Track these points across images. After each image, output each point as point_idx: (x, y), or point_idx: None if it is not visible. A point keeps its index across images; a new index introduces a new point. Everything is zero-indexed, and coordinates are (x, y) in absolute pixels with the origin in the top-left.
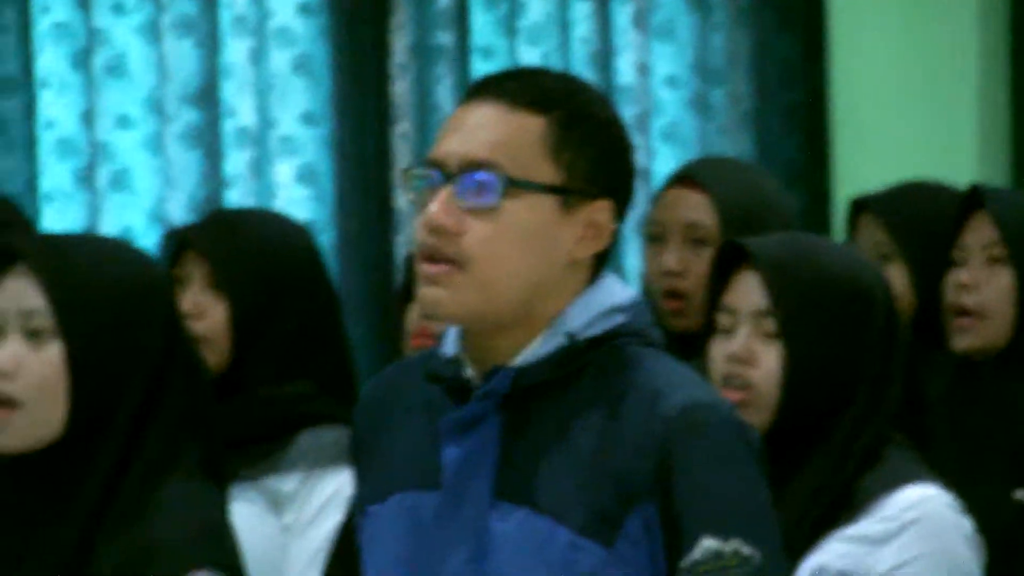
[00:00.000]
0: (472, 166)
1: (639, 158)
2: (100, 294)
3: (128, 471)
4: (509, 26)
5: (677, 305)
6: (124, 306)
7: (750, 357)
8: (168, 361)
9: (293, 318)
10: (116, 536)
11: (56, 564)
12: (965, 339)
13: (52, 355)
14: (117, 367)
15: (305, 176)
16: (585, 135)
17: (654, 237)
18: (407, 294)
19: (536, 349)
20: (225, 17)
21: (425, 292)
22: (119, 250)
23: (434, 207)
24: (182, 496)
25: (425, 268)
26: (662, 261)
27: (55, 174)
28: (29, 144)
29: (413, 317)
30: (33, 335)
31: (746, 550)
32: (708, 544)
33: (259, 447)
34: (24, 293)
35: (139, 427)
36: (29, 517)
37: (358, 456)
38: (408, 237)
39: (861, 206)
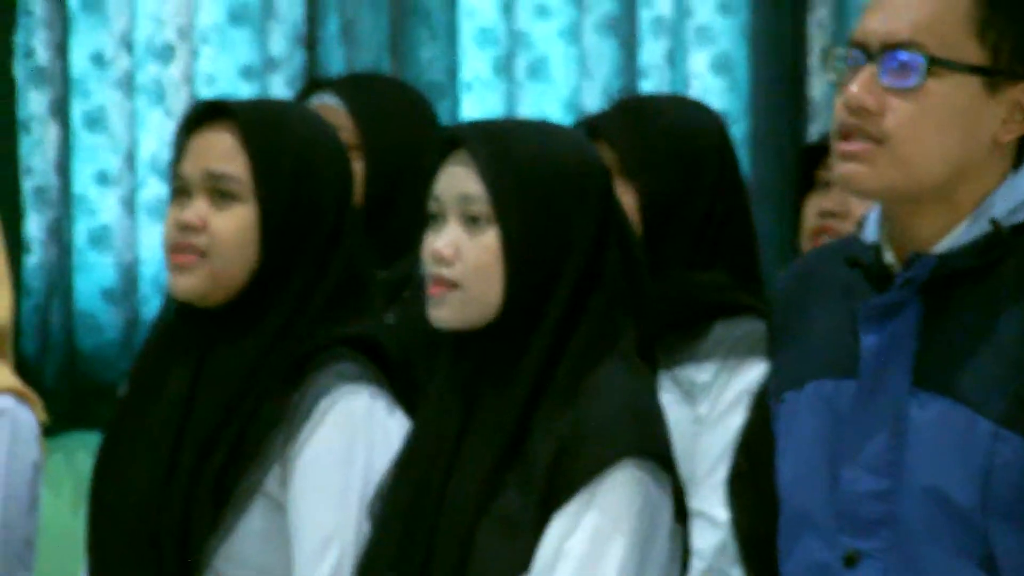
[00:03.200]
0: (895, 45)
1: None
2: (536, 181)
3: (565, 352)
4: None
5: None
6: (559, 192)
7: None
8: (604, 244)
9: (702, 206)
10: (552, 417)
11: (495, 443)
12: None
13: (489, 240)
14: (552, 252)
15: (720, 66)
16: (1014, 14)
17: None
18: (804, 188)
19: (959, 235)
20: None
21: (843, 167)
22: (555, 135)
23: (855, 87)
24: (617, 380)
25: (843, 145)
26: None
27: (475, 63)
28: (450, 33)
29: (810, 214)
30: (472, 220)
31: None
32: None
33: (675, 335)
34: (464, 179)
35: (575, 310)
36: (471, 394)
37: (775, 342)
38: (822, 128)
39: None
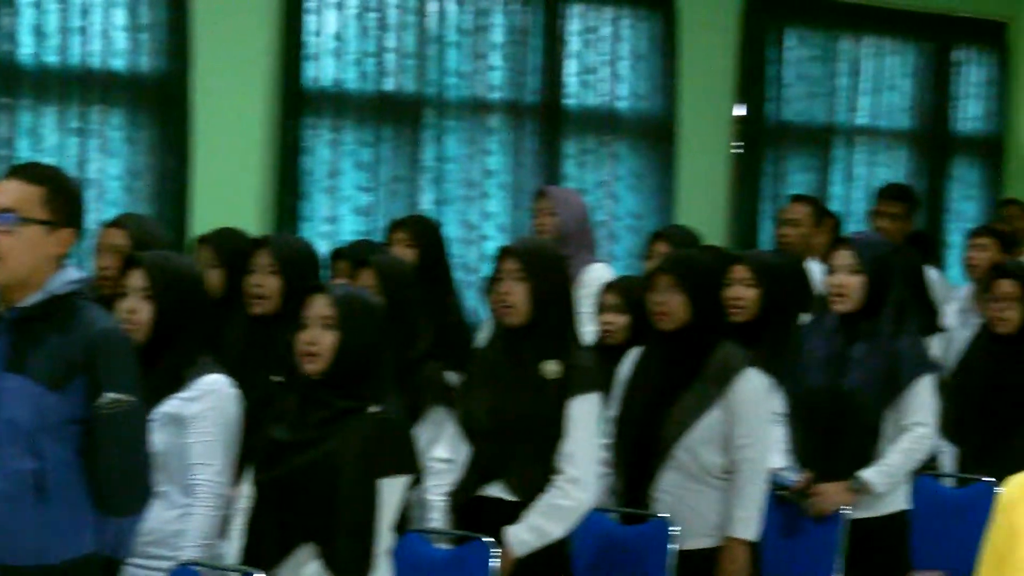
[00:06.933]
0: (5, 210)
1: None
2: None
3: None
4: None
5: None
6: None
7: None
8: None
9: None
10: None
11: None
12: None
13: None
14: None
15: None
16: (60, 192)
17: None
18: None
19: (33, 298)
20: None
21: None
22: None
23: None
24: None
25: None
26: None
27: None
28: None
29: None
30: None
31: (126, 398)
32: (110, 395)
33: None
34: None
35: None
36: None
37: None
38: None
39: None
